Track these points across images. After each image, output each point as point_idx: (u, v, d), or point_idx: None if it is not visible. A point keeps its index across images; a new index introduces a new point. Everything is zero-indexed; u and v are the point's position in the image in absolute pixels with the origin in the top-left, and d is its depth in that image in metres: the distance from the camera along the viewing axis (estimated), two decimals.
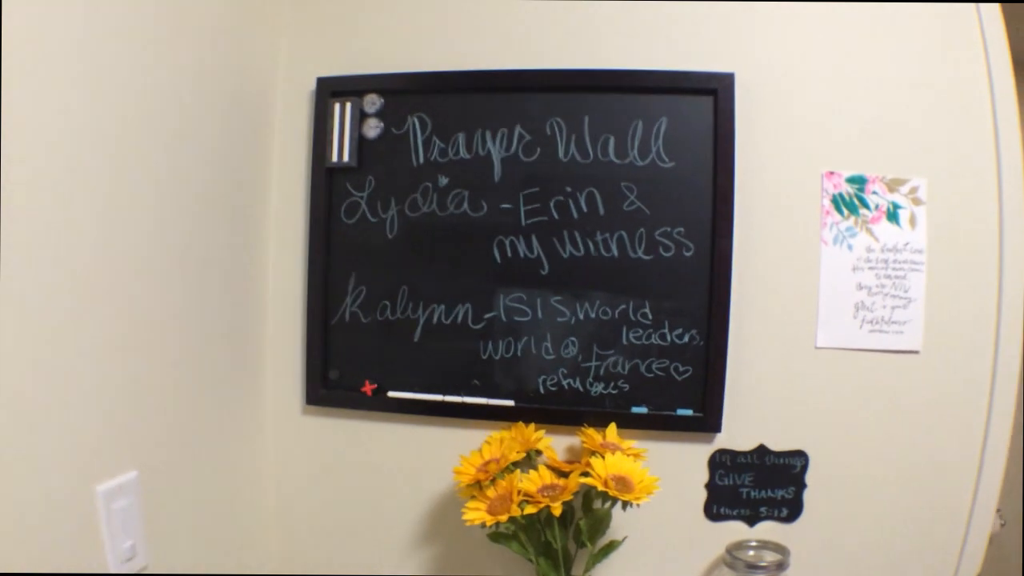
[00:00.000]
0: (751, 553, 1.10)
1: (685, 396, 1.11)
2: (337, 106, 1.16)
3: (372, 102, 1.15)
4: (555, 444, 1.12)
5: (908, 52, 1.11)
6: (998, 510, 1.78)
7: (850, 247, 1.12)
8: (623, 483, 1.00)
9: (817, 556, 1.12)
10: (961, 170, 1.11)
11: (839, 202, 1.12)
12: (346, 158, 1.16)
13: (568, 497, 1.00)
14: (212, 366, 1.07)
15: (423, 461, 1.19)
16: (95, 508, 0.83)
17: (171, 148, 0.95)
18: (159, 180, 0.93)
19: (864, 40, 1.12)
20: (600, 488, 0.98)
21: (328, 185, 1.17)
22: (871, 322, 1.12)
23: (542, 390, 1.14)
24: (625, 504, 0.98)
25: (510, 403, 1.14)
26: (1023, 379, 1.14)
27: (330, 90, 1.16)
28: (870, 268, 1.12)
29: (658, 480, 1.00)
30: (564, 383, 1.13)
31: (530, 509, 0.99)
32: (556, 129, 1.12)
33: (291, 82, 1.20)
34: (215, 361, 1.08)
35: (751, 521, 1.15)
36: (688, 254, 1.10)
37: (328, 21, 1.21)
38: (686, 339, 1.11)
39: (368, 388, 1.18)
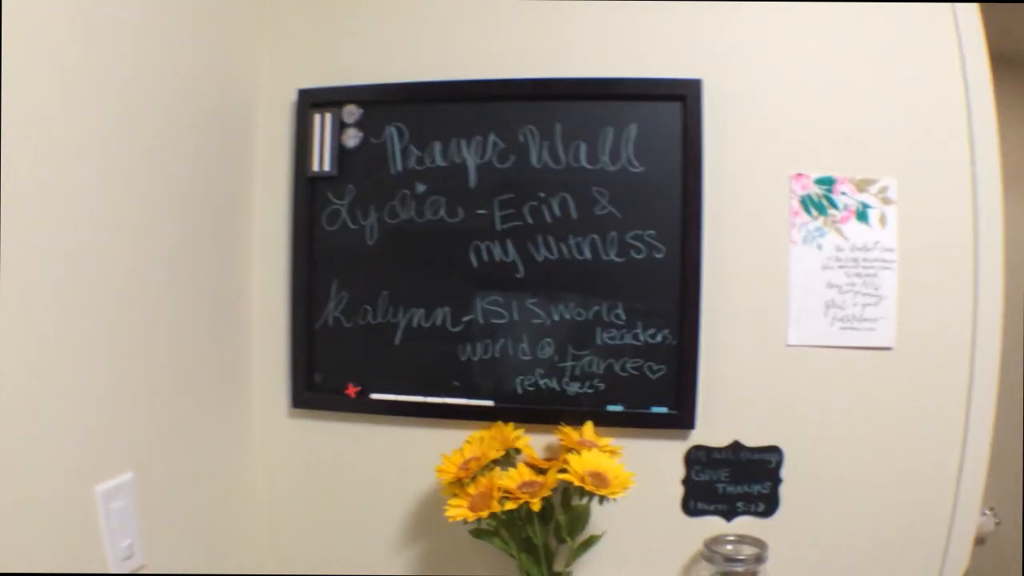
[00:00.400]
0: (729, 547, 1.12)
1: (659, 394, 1.14)
2: (318, 117, 1.19)
3: (351, 113, 1.19)
4: (534, 443, 1.15)
5: (879, 53, 1.13)
6: (991, 508, 1.80)
7: (819, 246, 1.14)
8: (599, 478, 1.02)
9: (796, 550, 1.14)
10: (933, 169, 1.13)
11: (808, 203, 1.14)
12: (327, 167, 1.19)
13: (547, 493, 1.03)
14: (201, 371, 1.10)
15: (407, 461, 1.22)
16: (95, 508, 0.86)
17: (156, 160, 0.98)
18: (144, 192, 0.96)
19: (833, 42, 1.14)
20: (577, 483, 1.00)
21: (310, 194, 1.20)
22: (842, 320, 1.14)
23: (520, 390, 1.17)
24: (602, 499, 1.01)
25: (489, 403, 1.17)
26: None
27: (311, 101, 1.20)
28: (840, 267, 1.14)
29: (634, 475, 1.03)
30: (541, 383, 1.16)
31: (510, 505, 1.02)
32: (529, 136, 1.15)
33: (273, 94, 1.24)
34: (204, 366, 1.11)
35: (728, 516, 1.17)
36: (659, 256, 1.13)
37: (309, 34, 1.24)
38: (659, 339, 1.13)
39: (352, 390, 1.21)
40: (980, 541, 1.84)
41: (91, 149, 0.86)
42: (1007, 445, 1.79)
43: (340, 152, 1.19)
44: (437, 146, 1.17)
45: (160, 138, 0.98)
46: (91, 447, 0.87)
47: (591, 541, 1.12)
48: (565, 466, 1.03)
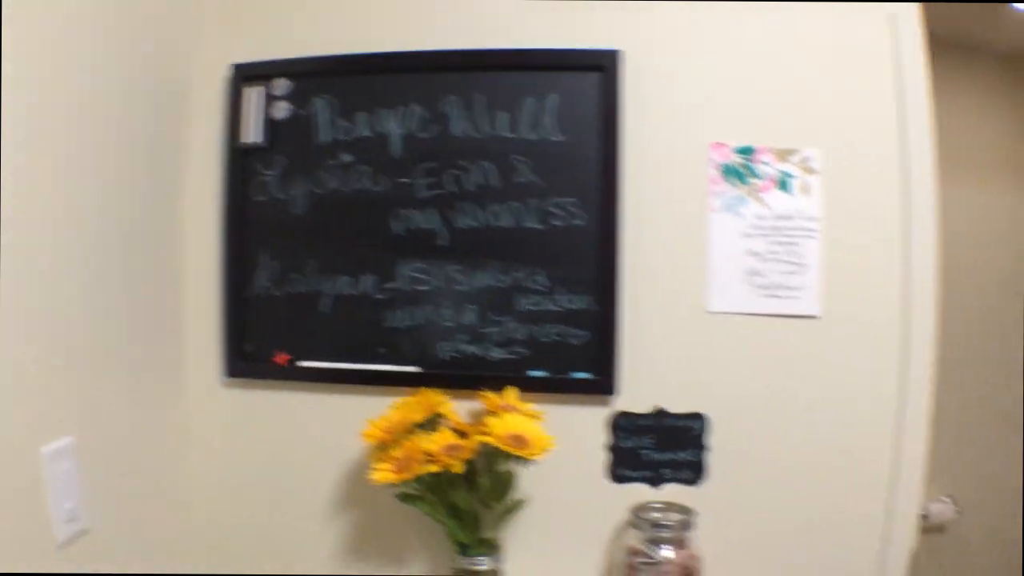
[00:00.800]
0: (656, 514, 1.12)
1: (581, 360, 1.16)
2: (248, 90, 1.21)
3: (280, 86, 1.21)
4: (459, 408, 1.16)
5: (803, 24, 1.15)
6: (951, 496, 1.80)
7: (740, 214, 1.16)
8: (520, 441, 1.04)
9: (725, 518, 1.15)
10: (859, 141, 1.14)
11: (728, 172, 1.16)
12: (256, 139, 1.21)
13: (469, 455, 1.05)
14: (136, 340, 1.12)
15: (337, 428, 1.23)
16: (40, 469, 0.88)
17: (89, 134, 0.99)
18: (77, 165, 0.97)
19: (757, 13, 1.15)
20: (496, 445, 1.02)
21: (241, 165, 1.22)
22: (764, 287, 1.16)
23: (445, 356, 1.19)
24: (522, 460, 1.03)
25: (415, 369, 1.19)
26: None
27: (243, 75, 1.22)
28: (761, 235, 1.16)
29: (554, 439, 1.05)
30: (465, 349, 1.18)
31: (433, 468, 1.04)
32: (450, 107, 1.17)
33: (208, 69, 1.25)
34: (139, 335, 1.13)
35: (655, 483, 1.18)
36: (580, 224, 1.15)
37: (243, 9, 1.26)
38: (580, 305, 1.15)
39: (282, 358, 1.23)
40: (938, 529, 1.85)
41: (25, 124, 0.86)
42: (991, 437, 1.80)
43: (270, 124, 1.21)
44: (362, 117, 1.19)
45: (93, 111, 1.00)
46: (34, 411, 0.89)
47: (516, 506, 1.14)
48: (486, 429, 1.05)
